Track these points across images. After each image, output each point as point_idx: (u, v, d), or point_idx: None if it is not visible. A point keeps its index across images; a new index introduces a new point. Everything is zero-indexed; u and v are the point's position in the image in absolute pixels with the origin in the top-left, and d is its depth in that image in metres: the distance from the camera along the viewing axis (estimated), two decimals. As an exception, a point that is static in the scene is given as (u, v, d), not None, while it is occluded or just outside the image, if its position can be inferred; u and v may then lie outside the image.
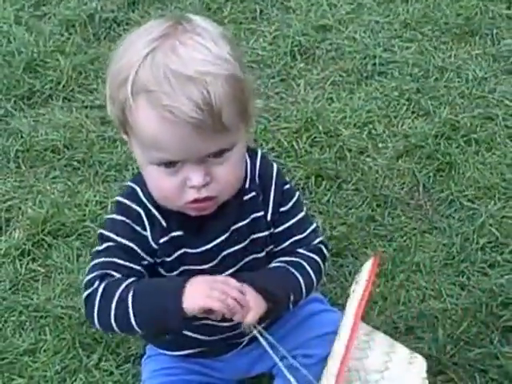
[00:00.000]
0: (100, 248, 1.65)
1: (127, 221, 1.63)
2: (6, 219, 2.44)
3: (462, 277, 2.23)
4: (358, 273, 1.79)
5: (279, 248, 1.74)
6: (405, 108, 2.72)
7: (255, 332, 1.59)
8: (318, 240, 1.77)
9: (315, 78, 2.85)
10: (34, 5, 3.21)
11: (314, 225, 1.79)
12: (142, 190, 1.63)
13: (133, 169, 2.50)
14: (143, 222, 1.62)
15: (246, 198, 1.67)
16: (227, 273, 1.66)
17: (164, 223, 1.62)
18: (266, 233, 1.71)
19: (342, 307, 1.99)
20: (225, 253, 1.67)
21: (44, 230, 2.38)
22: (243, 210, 1.67)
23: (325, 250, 1.78)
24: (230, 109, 1.47)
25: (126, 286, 1.57)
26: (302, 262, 1.72)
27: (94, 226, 2.37)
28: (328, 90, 2.80)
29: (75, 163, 2.60)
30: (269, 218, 1.71)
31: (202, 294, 1.52)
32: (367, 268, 1.70)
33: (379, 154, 2.57)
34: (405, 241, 2.33)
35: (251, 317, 1.56)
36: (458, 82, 2.81)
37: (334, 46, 2.98)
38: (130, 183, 1.68)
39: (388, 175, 2.50)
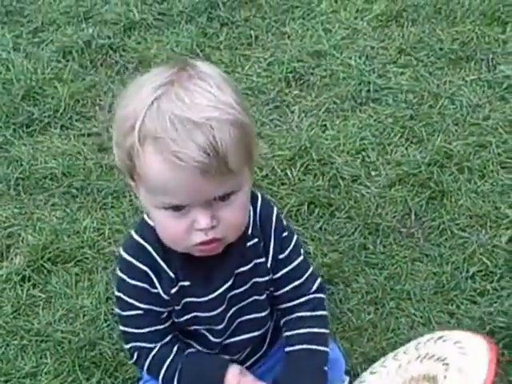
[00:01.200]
0: (122, 313, 1.85)
1: (141, 285, 1.79)
2: (6, 245, 2.60)
3: (452, 305, 2.36)
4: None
5: (280, 292, 1.90)
6: (399, 135, 2.86)
7: None
8: (315, 286, 1.93)
9: (309, 105, 3.00)
10: (31, 31, 3.37)
11: (312, 268, 1.95)
12: (149, 243, 1.79)
13: (130, 195, 2.66)
14: (153, 280, 1.79)
15: (248, 244, 1.81)
16: (232, 311, 1.86)
17: (172, 275, 1.79)
18: (267, 278, 1.87)
19: (334, 334, 2.24)
20: (230, 294, 1.84)
21: (44, 257, 2.53)
22: (246, 256, 1.82)
23: (323, 296, 1.95)
24: (235, 153, 1.59)
25: (168, 367, 1.83)
26: (316, 330, 1.91)
27: (91, 253, 2.53)
28: (322, 117, 2.94)
29: (74, 190, 2.75)
30: (269, 264, 1.86)
31: None
32: (480, 360, 1.77)
33: (372, 181, 2.71)
34: (396, 269, 2.46)
35: None
36: (453, 108, 2.94)
37: (329, 72, 3.11)
38: (134, 236, 1.82)
39: (380, 203, 2.64)
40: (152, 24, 3.38)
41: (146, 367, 1.87)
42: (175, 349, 1.85)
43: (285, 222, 1.91)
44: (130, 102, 1.63)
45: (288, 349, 1.90)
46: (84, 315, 2.40)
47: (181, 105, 1.57)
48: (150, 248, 1.79)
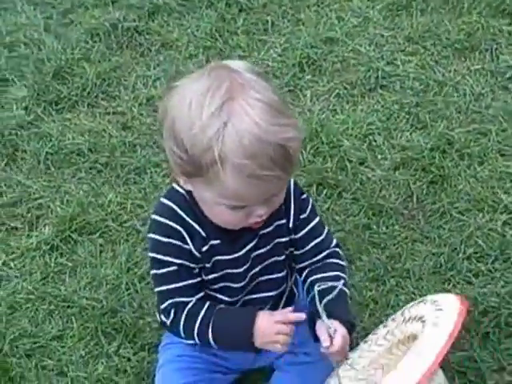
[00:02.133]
0: (158, 272, 1.93)
1: (173, 241, 1.88)
2: (36, 216, 2.63)
3: (448, 284, 2.38)
4: (423, 302, 1.98)
5: (303, 251, 2.02)
6: (404, 121, 2.87)
7: None
8: (334, 243, 2.06)
9: (321, 90, 3.01)
10: (62, 13, 3.39)
11: (327, 228, 2.07)
12: (179, 207, 1.88)
13: (151, 172, 2.72)
14: (185, 238, 1.88)
15: None
16: (255, 270, 1.97)
17: (203, 234, 1.89)
18: (287, 238, 1.98)
19: None
20: (254, 254, 1.95)
21: (71, 228, 2.57)
22: (268, 218, 1.88)
23: (341, 251, 2.08)
24: (298, 159, 1.82)
25: (203, 319, 1.91)
26: (339, 274, 2.01)
27: (114, 226, 2.57)
28: (333, 102, 2.96)
29: (99, 166, 2.79)
30: (291, 225, 1.97)
31: (269, 339, 1.87)
32: (451, 313, 1.83)
33: (378, 165, 2.73)
34: (397, 249, 2.48)
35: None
36: (456, 96, 2.95)
37: (340, 59, 3.13)
38: (165, 201, 1.91)
39: (385, 186, 2.66)
40: (175, 9, 3.39)
41: (182, 322, 1.93)
42: (207, 304, 1.93)
43: (302, 188, 2.02)
44: (193, 118, 1.67)
45: (316, 288, 1.95)
46: (107, 284, 2.43)
47: (255, 127, 1.65)
48: (181, 212, 1.88)
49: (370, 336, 2.11)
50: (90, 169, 2.80)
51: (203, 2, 3.41)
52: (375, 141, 2.84)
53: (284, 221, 1.96)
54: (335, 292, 1.91)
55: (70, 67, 3.15)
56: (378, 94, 3.01)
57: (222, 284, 1.97)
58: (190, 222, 1.88)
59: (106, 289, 2.43)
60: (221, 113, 1.65)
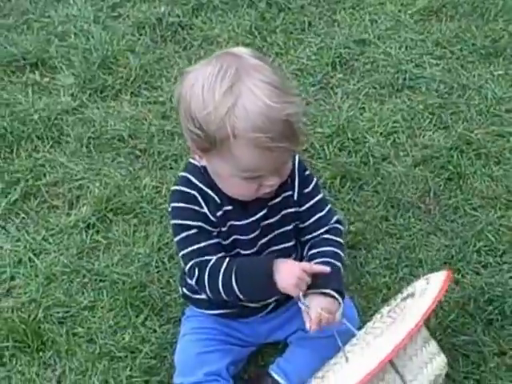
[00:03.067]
0: (180, 237, 2.02)
1: (188, 206, 1.99)
2: (76, 196, 2.70)
3: (458, 274, 2.43)
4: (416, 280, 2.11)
5: (306, 225, 2.11)
6: (427, 121, 2.91)
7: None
8: (335, 218, 2.15)
9: (351, 88, 3.06)
10: (111, 6, 3.44)
11: (330, 205, 2.17)
12: (194, 176, 1.99)
13: (186, 159, 2.74)
14: (200, 202, 1.99)
15: None
16: (264, 240, 2.06)
17: (218, 200, 1.99)
18: (294, 209, 2.08)
19: (352, 292, 2.36)
20: (263, 224, 2.04)
21: (107, 208, 2.64)
22: (277, 190, 1.99)
23: (341, 227, 2.17)
24: (302, 132, 1.88)
25: (225, 271, 1.97)
26: (334, 249, 2.09)
27: (149, 208, 2.64)
28: (362, 100, 3.01)
29: (137, 152, 2.85)
30: (295, 197, 2.07)
31: (291, 282, 1.93)
32: (437, 282, 1.95)
33: (399, 161, 2.77)
34: (412, 240, 2.53)
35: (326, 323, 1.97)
36: (479, 99, 2.98)
37: (371, 60, 3.18)
38: (182, 173, 2.04)
39: (404, 181, 2.70)
40: (218, 6, 3.44)
41: (206, 278, 2.00)
42: (227, 259, 2.00)
43: (306, 166, 2.13)
44: (206, 99, 1.80)
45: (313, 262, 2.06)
46: (138, 261, 2.50)
47: (262, 105, 1.78)
48: (196, 181, 2.00)
49: (375, 315, 2.17)
50: (129, 154, 2.85)
51: (245, 1, 3.45)
52: (399, 138, 2.88)
53: (290, 192, 2.07)
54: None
55: (116, 58, 3.20)
56: (404, 94, 3.04)
57: (235, 251, 2.05)
58: (205, 188, 1.99)
59: (137, 265, 2.50)
60: (231, 93, 1.78)
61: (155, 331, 2.33)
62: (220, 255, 2.02)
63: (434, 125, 2.92)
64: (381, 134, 2.89)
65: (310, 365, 2.11)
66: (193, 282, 2.05)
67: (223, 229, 2.02)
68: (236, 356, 2.18)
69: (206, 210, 1.99)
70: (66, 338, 2.34)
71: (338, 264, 2.07)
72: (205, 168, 1.97)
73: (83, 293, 2.45)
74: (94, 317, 2.39)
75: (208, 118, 1.80)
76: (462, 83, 3.07)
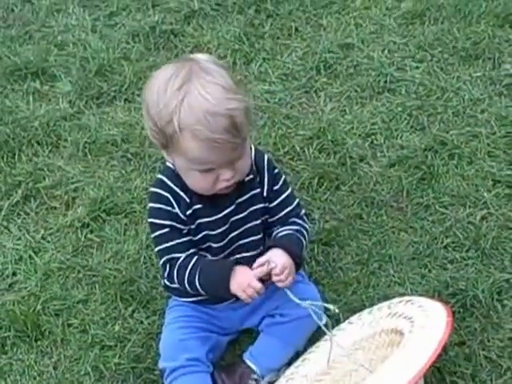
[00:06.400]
0: (155, 235, 2.31)
1: (162, 206, 2.28)
2: (72, 197, 2.89)
3: (425, 269, 2.57)
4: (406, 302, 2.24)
5: (275, 218, 2.37)
6: (405, 122, 3.04)
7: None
8: (302, 212, 2.41)
9: (334, 92, 3.20)
10: (107, 15, 3.63)
11: (297, 199, 2.42)
12: (168, 179, 2.25)
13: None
14: (171, 202, 2.26)
15: (246, 179, 2.26)
16: (233, 234, 2.31)
17: (188, 200, 2.26)
18: (262, 205, 2.33)
19: (324, 286, 2.55)
20: (232, 219, 2.31)
21: (101, 208, 2.81)
22: (244, 188, 2.28)
23: (306, 219, 2.42)
24: (247, 127, 2.11)
25: (191, 270, 2.25)
26: (301, 229, 2.38)
27: (139, 208, 2.81)
28: (343, 103, 3.15)
29: (129, 155, 3.02)
30: (265, 194, 2.33)
31: (241, 288, 2.21)
32: (439, 322, 2.01)
33: (376, 162, 2.92)
34: (383, 236, 2.68)
35: (290, 280, 2.24)
36: (455, 101, 3.10)
37: (354, 63, 3.31)
38: (158, 175, 2.30)
39: (379, 181, 2.85)
40: (209, 13, 3.61)
41: (175, 275, 2.28)
42: (195, 257, 2.29)
43: (276, 165, 2.38)
44: (159, 99, 2.06)
45: (280, 234, 2.35)
46: (128, 257, 2.69)
47: (205, 101, 2.02)
48: (169, 182, 2.25)
49: (355, 320, 2.40)
50: (122, 157, 3.03)
51: (234, 8, 3.63)
52: (376, 140, 3.02)
53: (258, 190, 2.33)
54: (288, 232, 2.33)
55: (111, 66, 3.39)
56: (384, 97, 3.18)
57: (206, 244, 2.33)
58: (176, 189, 2.26)
59: (127, 261, 2.69)
60: (180, 91, 2.02)
61: (142, 322, 2.53)
62: (189, 252, 2.30)
63: (411, 126, 3.05)
64: (359, 135, 3.04)
65: (278, 350, 2.40)
66: (165, 276, 2.33)
67: (192, 226, 2.29)
68: (215, 343, 2.41)
69: (177, 210, 2.26)
70: (62, 328, 2.54)
71: (302, 239, 2.35)
72: None
73: (78, 287, 2.65)
74: (88, 309, 2.58)
75: (160, 115, 2.06)
76: (441, 85, 3.19)
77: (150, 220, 2.32)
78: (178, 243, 2.30)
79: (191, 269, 2.28)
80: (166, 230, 2.29)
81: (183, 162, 2.14)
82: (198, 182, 2.19)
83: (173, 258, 2.31)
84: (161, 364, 2.37)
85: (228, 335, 2.48)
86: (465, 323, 2.44)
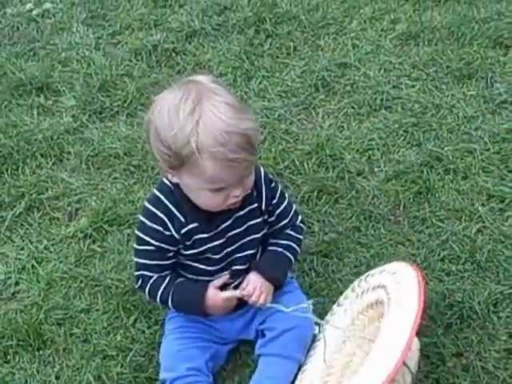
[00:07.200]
0: (140, 248, 2.25)
1: (154, 226, 2.20)
2: (75, 209, 2.85)
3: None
4: (382, 272, 2.21)
5: (271, 230, 2.33)
6: (401, 139, 3.00)
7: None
8: (299, 220, 2.37)
9: (332, 108, 3.17)
10: (111, 34, 3.62)
11: (294, 207, 2.38)
12: (164, 196, 2.19)
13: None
14: (167, 224, 2.20)
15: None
16: (229, 248, 2.25)
17: (183, 219, 2.19)
18: (259, 219, 2.28)
19: (323, 297, 2.49)
20: (229, 234, 2.25)
21: (103, 219, 2.77)
22: (242, 203, 2.19)
23: (303, 226, 2.40)
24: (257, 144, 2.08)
25: (164, 289, 2.23)
26: (291, 244, 2.33)
27: None
28: (341, 119, 3.12)
29: (132, 168, 2.99)
30: (263, 208, 2.27)
31: (219, 308, 2.24)
32: (412, 286, 2.02)
33: (373, 176, 2.87)
34: (381, 249, 2.63)
35: (264, 299, 2.24)
36: (450, 118, 3.07)
37: (351, 81, 3.28)
38: (155, 191, 2.23)
39: (377, 195, 2.80)
40: (210, 33, 3.60)
41: (147, 291, 2.26)
42: (167, 279, 2.25)
43: (271, 177, 2.33)
44: (172, 123, 2.01)
45: (269, 248, 2.34)
46: (130, 268, 2.61)
47: (220, 121, 1.98)
48: (165, 200, 2.19)
49: (342, 300, 2.39)
50: (124, 170, 3.00)
51: (235, 28, 3.61)
52: (374, 155, 2.99)
53: (256, 205, 2.27)
54: (275, 249, 2.32)
55: (114, 82, 3.37)
56: (381, 114, 3.15)
57: (202, 256, 2.26)
58: (171, 208, 2.19)
59: (129, 272, 2.61)
60: (193, 114, 1.98)
61: (144, 332, 2.47)
62: (163, 274, 2.26)
63: (408, 142, 3.01)
64: (357, 150, 3.00)
65: (281, 367, 2.30)
66: (136, 287, 2.30)
67: (187, 243, 2.23)
68: (214, 352, 2.34)
69: (172, 231, 2.20)
70: (64, 337, 2.48)
71: (290, 256, 2.32)
72: (175, 186, 2.18)
73: (80, 297, 2.60)
74: (90, 319, 2.52)
75: (175, 138, 2.00)
76: (436, 103, 3.16)
77: (138, 233, 2.26)
78: (157, 264, 2.25)
79: (164, 289, 2.26)
80: (151, 248, 2.23)
81: (197, 182, 2.08)
82: (209, 201, 2.13)
83: (146, 276, 2.27)
84: (161, 375, 2.31)
85: (227, 344, 2.40)
86: (462, 334, 2.39)
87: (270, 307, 2.27)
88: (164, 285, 2.25)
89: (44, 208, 2.90)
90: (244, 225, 2.26)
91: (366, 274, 2.36)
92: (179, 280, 2.29)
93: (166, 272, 2.27)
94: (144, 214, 2.24)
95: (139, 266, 2.27)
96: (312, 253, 2.66)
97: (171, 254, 2.25)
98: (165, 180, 2.23)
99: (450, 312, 2.44)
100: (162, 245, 2.22)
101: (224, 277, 2.29)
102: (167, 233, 2.20)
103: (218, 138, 1.97)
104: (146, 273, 2.26)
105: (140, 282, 2.28)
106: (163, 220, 2.20)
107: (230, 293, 2.26)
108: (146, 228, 2.22)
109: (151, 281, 2.26)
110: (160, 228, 2.20)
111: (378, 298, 2.19)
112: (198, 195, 2.13)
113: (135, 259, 2.29)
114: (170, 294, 2.25)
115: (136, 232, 2.27)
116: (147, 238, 2.22)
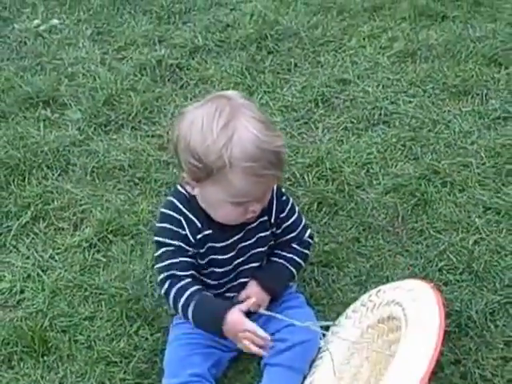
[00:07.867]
0: (159, 253, 2.20)
1: (171, 227, 2.17)
2: (80, 219, 2.82)
3: None
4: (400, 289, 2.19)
5: (278, 242, 2.29)
6: (399, 152, 2.99)
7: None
8: (307, 234, 2.33)
9: (331, 123, 3.15)
10: (116, 49, 3.60)
11: (304, 221, 2.34)
12: (179, 202, 2.17)
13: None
14: (183, 225, 2.17)
15: None
16: (239, 260, 2.23)
17: (199, 224, 2.17)
18: (268, 232, 2.25)
19: (323, 306, 2.46)
20: (239, 246, 2.21)
21: (107, 230, 2.74)
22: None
23: (311, 241, 2.37)
24: None
25: (186, 298, 2.14)
26: (295, 257, 2.30)
27: (145, 230, 2.73)
28: (340, 134, 3.10)
29: (136, 180, 2.96)
30: (272, 221, 2.24)
31: (236, 335, 2.11)
32: (431, 305, 2.00)
33: (372, 188, 2.85)
34: (380, 259, 2.60)
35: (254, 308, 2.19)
36: (447, 133, 3.07)
37: (350, 97, 3.27)
38: (170, 198, 2.22)
39: (376, 207, 2.78)
40: (212, 49, 3.59)
41: (172, 294, 2.17)
42: (196, 286, 2.17)
43: (283, 190, 2.30)
44: (205, 135, 1.99)
45: (271, 258, 2.31)
46: (134, 277, 2.60)
47: (254, 137, 1.98)
48: (181, 206, 2.18)
49: (350, 313, 2.35)
50: (128, 181, 2.98)
51: (237, 45, 3.61)
52: (372, 168, 2.96)
53: (266, 218, 2.24)
54: (277, 261, 2.30)
55: (119, 96, 3.34)
56: (379, 128, 3.14)
57: (209, 269, 2.23)
58: (188, 214, 2.16)
59: (133, 281, 2.60)
60: (228, 127, 1.97)
61: (147, 339, 2.43)
62: (189, 273, 2.19)
63: (406, 156, 3.00)
64: (356, 164, 2.98)
65: (287, 379, 2.25)
66: (162, 293, 2.23)
67: (201, 250, 2.19)
68: (217, 359, 2.29)
69: (187, 232, 2.17)
70: (68, 344, 2.44)
71: (292, 269, 2.29)
72: (191, 196, 2.15)
73: (84, 305, 2.56)
74: (94, 326, 2.49)
75: (207, 150, 1.98)
76: (433, 118, 3.15)
77: (157, 238, 2.22)
78: (181, 261, 2.19)
79: (187, 297, 2.17)
80: (172, 248, 2.19)
81: (221, 194, 2.05)
82: (229, 214, 2.11)
83: (174, 276, 2.19)
84: (164, 381, 2.25)
85: (231, 352, 2.35)
86: (460, 342, 2.35)
87: (281, 319, 2.23)
88: (190, 291, 2.17)
89: (49, 218, 2.86)
90: (254, 237, 2.24)
91: (377, 289, 2.33)
92: (205, 293, 2.22)
93: (192, 272, 2.20)
94: (160, 220, 2.22)
95: (163, 269, 2.19)
96: (312, 263, 2.61)
97: (191, 253, 2.20)
98: (180, 188, 2.20)
99: (448, 321, 2.38)
100: (182, 244, 2.17)
101: (249, 301, 2.23)
102: (183, 232, 2.17)
103: (252, 154, 1.97)
104: (173, 272, 2.18)
105: (167, 284, 2.19)
106: (180, 220, 2.17)
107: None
108: (164, 230, 2.19)
109: (181, 282, 2.17)
110: (178, 229, 2.17)
111: (391, 313, 2.17)
112: (217, 208, 2.10)
113: (158, 265, 2.22)
114: (192, 303, 2.16)
115: (154, 239, 2.23)
116: (167, 240, 2.18)
